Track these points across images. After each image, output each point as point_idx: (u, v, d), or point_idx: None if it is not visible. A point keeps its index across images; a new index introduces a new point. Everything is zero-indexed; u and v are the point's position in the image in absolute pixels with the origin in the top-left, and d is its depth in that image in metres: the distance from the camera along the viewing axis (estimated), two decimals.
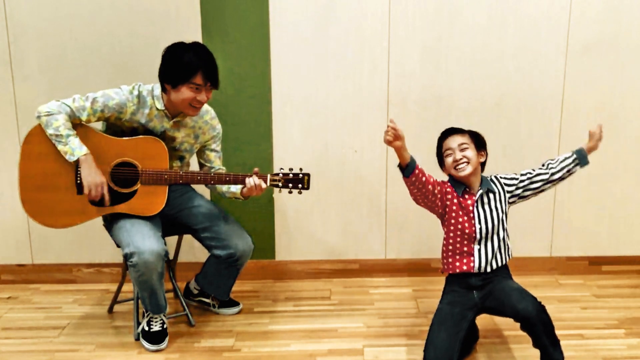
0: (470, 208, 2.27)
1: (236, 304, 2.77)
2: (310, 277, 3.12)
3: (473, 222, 2.26)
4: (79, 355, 2.41)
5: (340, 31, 2.87)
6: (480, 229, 2.25)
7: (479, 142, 2.32)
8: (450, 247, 2.32)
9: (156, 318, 2.46)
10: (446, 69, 2.91)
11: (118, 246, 2.42)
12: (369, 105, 2.94)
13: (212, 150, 2.57)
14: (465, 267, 2.28)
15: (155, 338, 2.44)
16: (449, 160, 2.29)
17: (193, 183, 2.44)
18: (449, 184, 2.33)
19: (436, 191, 2.27)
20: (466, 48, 2.90)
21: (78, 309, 2.81)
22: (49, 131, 2.25)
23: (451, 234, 2.31)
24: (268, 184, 2.39)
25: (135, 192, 2.37)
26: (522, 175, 2.32)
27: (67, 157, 2.27)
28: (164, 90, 2.36)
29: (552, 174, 2.28)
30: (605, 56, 2.90)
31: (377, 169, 3.01)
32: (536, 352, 2.38)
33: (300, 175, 2.40)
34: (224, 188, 2.52)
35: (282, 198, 3.03)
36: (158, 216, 2.44)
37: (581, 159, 2.27)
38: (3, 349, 2.46)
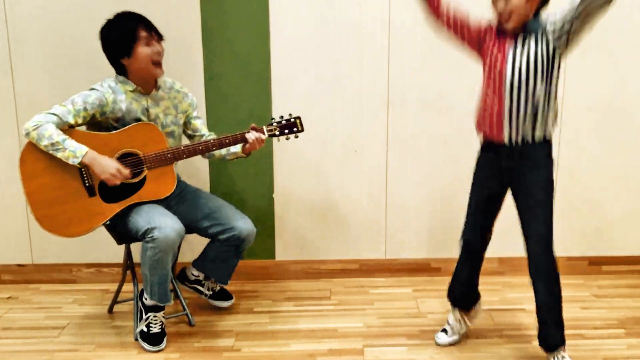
0: (507, 46, 2.08)
1: (230, 297, 2.77)
2: (310, 277, 3.12)
3: (505, 63, 2.08)
4: (79, 355, 2.42)
5: (340, 31, 2.87)
6: (513, 70, 2.07)
7: None
8: (481, 93, 2.20)
9: (156, 319, 2.46)
10: (446, 68, 2.90)
11: (127, 239, 2.45)
12: (369, 105, 2.94)
13: (195, 118, 2.63)
14: (496, 130, 2.15)
15: (154, 340, 2.44)
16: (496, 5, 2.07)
17: (196, 154, 2.46)
18: (490, 22, 2.16)
19: (465, 32, 2.17)
20: None
21: (78, 309, 2.81)
22: (44, 143, 2.25)
23: (485, 75, 2.17)
24: (266, 135, 2.47)
25: (144, 179, 2.40)
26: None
27: (70, 161, 2.27)
28: (123, 72, 2.43)
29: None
30: (604, 56, 2.90)
31: (377, 169, 3.01)
32: (536, 352, 2.39)
33: (292, 119, 2.50)
34: (223, 152, 2.57)
35: (282, 198, 3.03)
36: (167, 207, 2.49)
37: None
38: (3, 349, 2.46)
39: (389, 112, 2.95)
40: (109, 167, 2.30)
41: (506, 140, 2.14)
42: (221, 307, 2.76)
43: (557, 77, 2.14)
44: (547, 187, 2.17)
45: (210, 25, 2.85)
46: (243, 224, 2.52)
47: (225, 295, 2.78)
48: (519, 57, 2.08)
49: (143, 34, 2.37)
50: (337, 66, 2.90)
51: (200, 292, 2.74)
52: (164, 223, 2.31)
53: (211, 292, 2.74)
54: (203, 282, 2.72)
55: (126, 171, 2.33)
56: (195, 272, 2.70)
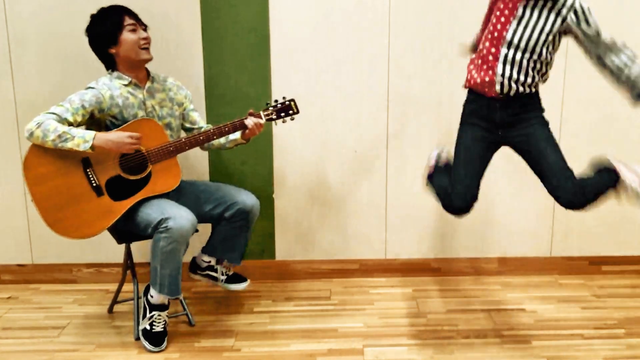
0: (516, 7, 2.08)
1: (244, 279, 2.73)
2: (310, 277, 3.12)
3: (511, 20, 2.09)
4: (79, 355, 2.42)
5: (340, 30, 2.87)
6: (515, 31, 2.08)
7: None
8: (479, 48, 2.23)
9: (160, 318, 2.46)
10: (447, 68, 2.90)
11: (128, 238, 2.45)
12: (369, 105, 2.94)
13: (192, 110, 2.65)
14: (487, 78, 2.17)
15: (156, 339, 2.44)
16: None
17: (198, 145, 2.46)
18: None
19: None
20: None
21: (78, 309, 2.81)
22: (50, 137, 2.23)
23: (486, 33, 2.19)
24: (264, 119, 2.50)
25: (150, 174, 2.41)
26: (597, 31, 2.06)
27: (81, 147, 2.25)
28: (113, 64, 2.46)
29: (611, 64, 2.08)
30: None
31: (377, 169, 3.01)
32: (537, 352, 2.39)
33: (287, 102, 2.52)
34: (222, 140, 2.60)
35: (283, 198, 3.03)
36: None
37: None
38: (3, 349, 2.46)
39: (389, 112, 2.95)
40: (121, 139, 2.30)
41: (498, 92, 2.15)
42: (237, 291, 2.74)
43: (559, 45, 2.18)
44: (547, 128, 2.19)
45: (210, 24, 2.85)
46: (246, 197, 2.54)
47: (239, 278, 2.74)
48: (525, 20, 2.08)
49: (128, 21, 2.41)
50: (337, 66, 2.90)
51: (215, 279, 2.71)
52: (177, 214, 2.32)
53: (225, 277, 2.71)
54: (215, 267, 2.69)
55: (136, 133, 2.33)
56: (206, 258, 2.68)
